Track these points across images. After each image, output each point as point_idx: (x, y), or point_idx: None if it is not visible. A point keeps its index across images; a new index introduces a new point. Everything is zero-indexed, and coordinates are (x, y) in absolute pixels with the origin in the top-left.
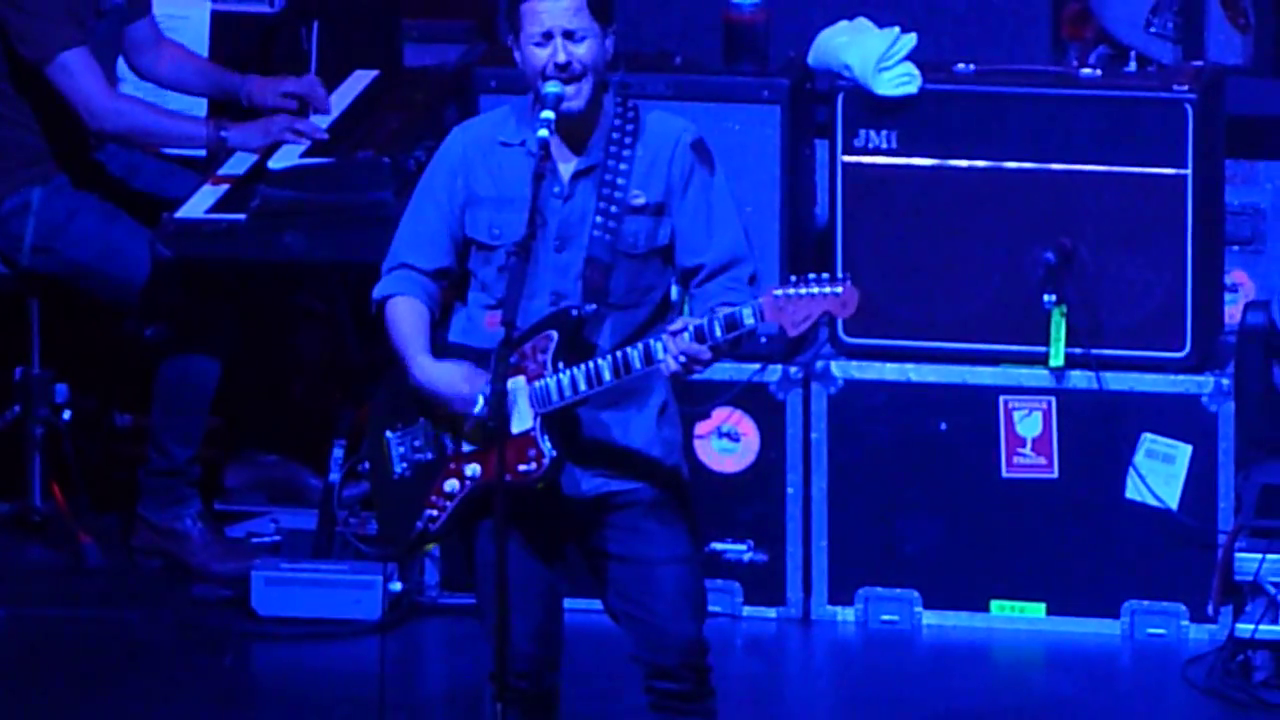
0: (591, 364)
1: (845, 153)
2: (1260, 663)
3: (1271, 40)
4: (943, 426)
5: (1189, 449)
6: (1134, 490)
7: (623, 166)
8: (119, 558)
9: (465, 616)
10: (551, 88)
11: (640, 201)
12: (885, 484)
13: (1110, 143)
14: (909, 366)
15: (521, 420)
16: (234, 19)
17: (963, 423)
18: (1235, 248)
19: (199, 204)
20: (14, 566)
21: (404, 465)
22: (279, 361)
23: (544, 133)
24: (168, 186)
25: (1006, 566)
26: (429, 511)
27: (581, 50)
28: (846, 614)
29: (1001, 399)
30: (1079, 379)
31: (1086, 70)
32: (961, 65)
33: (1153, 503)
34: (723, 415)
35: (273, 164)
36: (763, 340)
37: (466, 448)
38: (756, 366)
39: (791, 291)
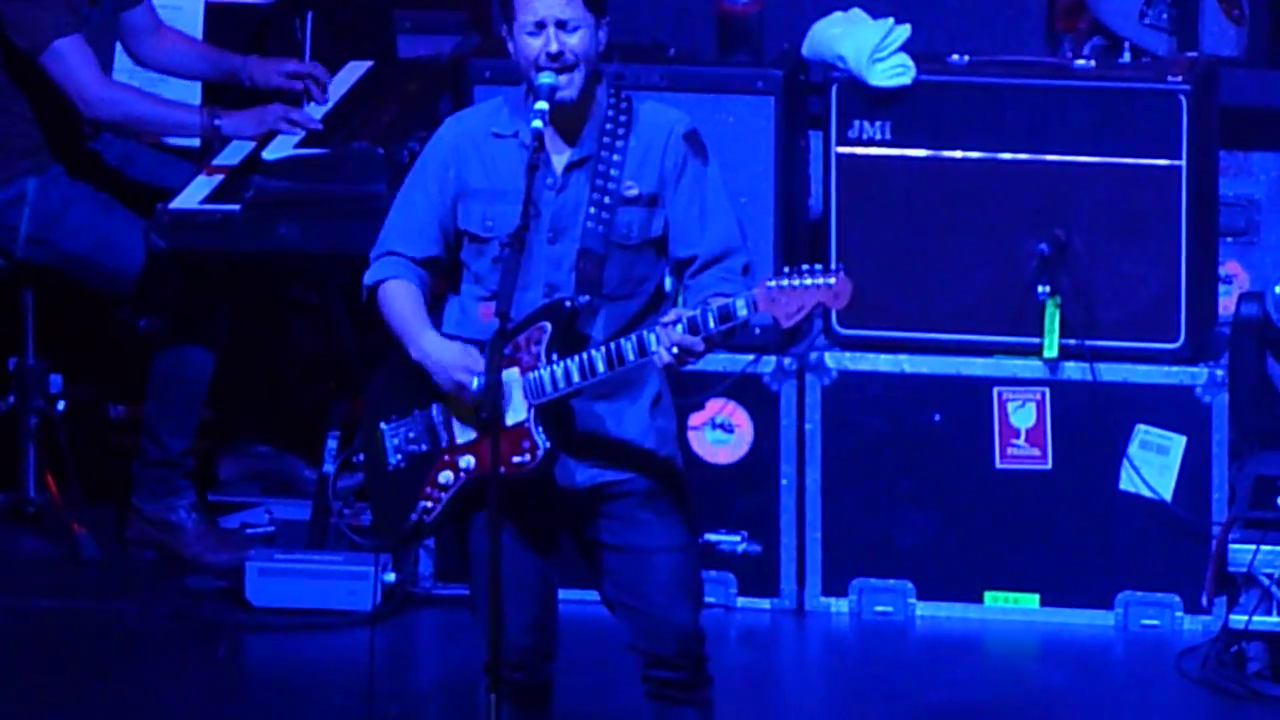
0: (585, 355)
1: (839, 144)
2: (1254, 654)
3: (1265, 32)
4: (936, 418)
5: (1183, 440)
6: (1128, 481)
7: (616, 158)
8: (113, 549)
9: (459, 607)
10: (545, 78)
11: (634, 192)
12: (879, 475)
13: (1104, 134)
14: (903, 358)
15: (515, 412)
16: (228, 10)
17: (957, 414)
18: (1229, 239)
19: (194, 195)
20: (8, 557)
21: (398, 457)
22: (273, 353)
23: (538, 124)
24: (163, 176)
25: (1000, 558)
26: (423, 503)
27: (574, 40)
28: (840, 605)
29: (995, 390)
30: (1073, 370)
31: (1081, 61)
32: (956, 56)
33: (1147, 494)
34: (717, 406)
35: (267, 155)
36: (756, 331)
37: (461, 439)
38: (750, 358)
39: (784, 283)
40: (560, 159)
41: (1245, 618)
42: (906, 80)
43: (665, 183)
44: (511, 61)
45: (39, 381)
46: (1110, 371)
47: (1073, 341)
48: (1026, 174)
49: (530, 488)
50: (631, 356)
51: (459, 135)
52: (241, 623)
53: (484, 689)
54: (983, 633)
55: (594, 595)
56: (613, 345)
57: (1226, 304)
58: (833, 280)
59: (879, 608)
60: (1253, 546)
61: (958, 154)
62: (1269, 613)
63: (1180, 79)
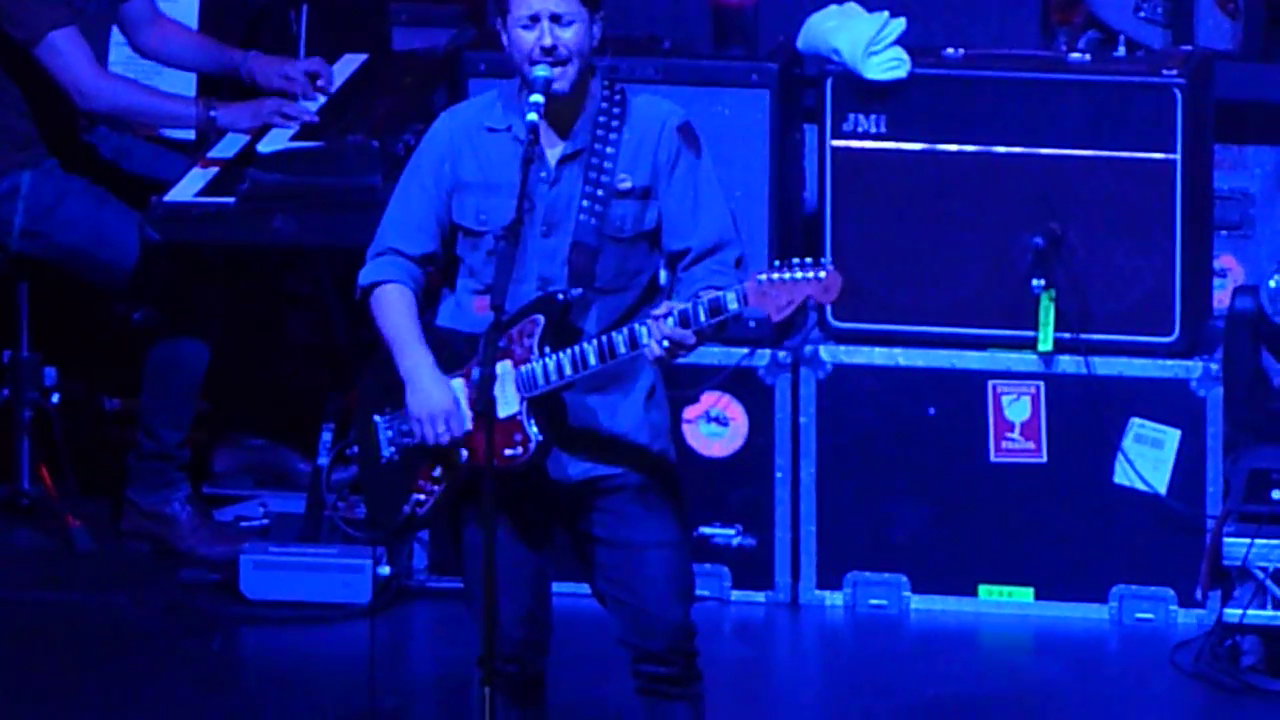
0: (577, 349)
1: (834, 137)
2: (1248, 647)
3: (1260, 25)
4: (931, 411)
5: (1177, 434)
6: (1122, 475)
7: (609, 150)
8: (107, 541)
9: (454, 600)
10: (540, 71)
11: (627, 185)
12: (874, 468)
13: (1099, 128)
14: (898, 351)
15: (508, 405)
16: (223, 2)
17: (951, 407)
18: (1224, 233)
19: (188, 187)
20: (3, 550)
21: (392, 449)
22: (268, 345)
23: (533, 116)
24: (158, 169)
25: (995, 551)
26: (416, 496)
27: (568, 35)
28: (835, 598)
29: (990, 384)
30: (1067, 364)
31: (1075, 55)
32: (950, 50)
33: (1141, 487)
34: (711, 399)
35: (262, 148)
36: (751, 325)
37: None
38: (745, 351)
39: (775, 276)
40: (553, 152)
41: (1240, 611)
42: (901, 74)
43: (658, 175)
44: (506, 54)
45: (33, 374)
46: (1105, 365)
47: (1067, 335)
48: (1021, 167)
49: (523, 481)
50: (623, 349)
51: (453, 130)
52: (236, 615)
53: (478, 682)
54: (977, 626)
55: (587, 589)
56: (604, 338)
57: (1221, 297)
58: (822, 274)
59: (873, 601)
60: (1247, 540)
61: (953, 147)
62: (1263, 606)
63: (1175, 72)
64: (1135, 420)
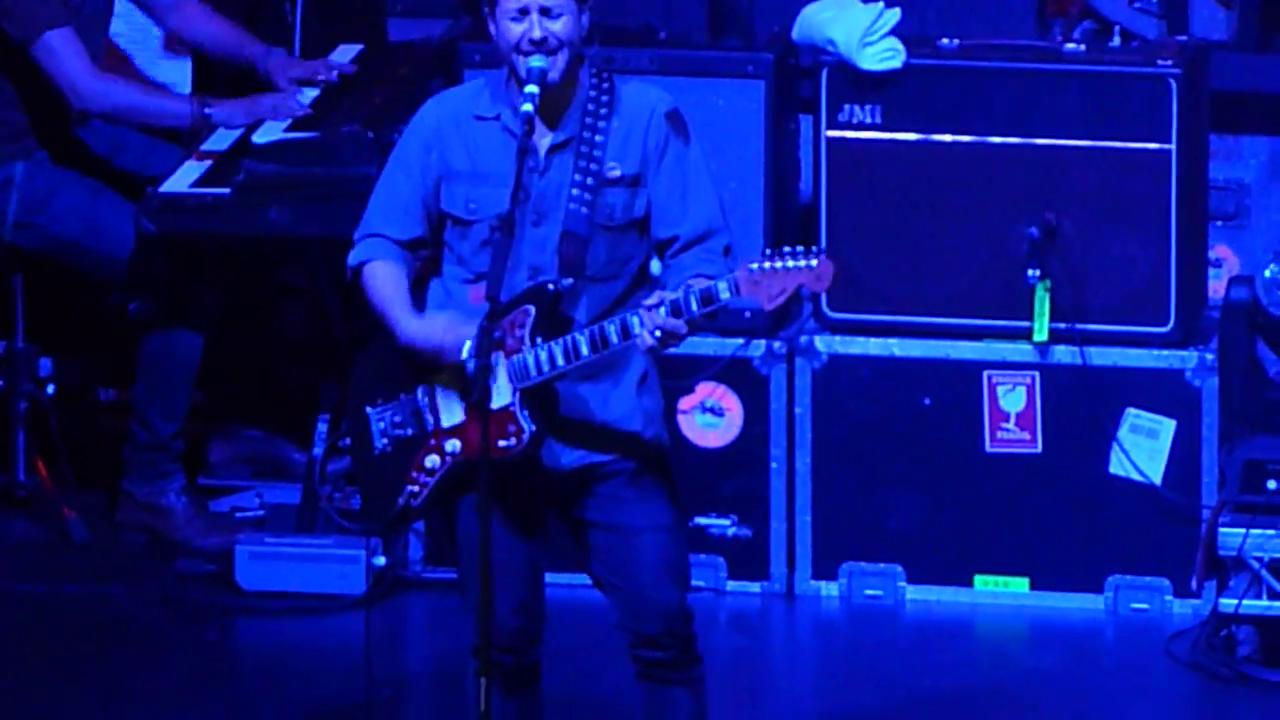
0: (569, 338)
1: (829, 128)
2: (1244, 637)
3: (1255, 15)
4: (926, 401)
5: (1173, 424)
6: (1118, 465)
7: (599, 139)
8: (103, 532)
9: (449, 591)
10: (536, 61)
11: (617, 173)
12: (869, 459)
13: (1094, 118)
14: (893, 341)
15: (500, 395)
16: None
17: (946, 398)
18: (1219, 223)
19: (183, 179)
20: None
21: (384, 441)
22: (263, 336)
23: (528, 107)
24: (152, 162)
25: (990, 541)
26: (410, 488)
27: (558, 26)
28: (830, 589)
29: (985, 374)
30: (1063, 354)
31: (1071, 45)
32: (946, 40)
33: (1136, 478)
34: (706, 390)
35: (257, 138)
36: (746, 315)
37: (446, 423)
38: (740, 341)
39: (766, 265)
40: (543, 141)
41: (1235, 601)
42: (897, 64)
43: (648, 163)
44: (493, 45)
45: (29, 365)
46: (1100, 355)
47: (1063, 325)
48: (1017, 158)
49: (516, 471)
50: (615, 339)
51: (440, 117)
52: (231, 606)
53: (473, 672)
54: (973, 616)
55: (583, 579)
56: (596, 328)
57: (1216, 288)
58: (814, 262)
59: (869, 591)
60: (1242, 530)
61: (948, 138)
62: (1258, 596)
63: (1170, 63)
64: (1130, 410)
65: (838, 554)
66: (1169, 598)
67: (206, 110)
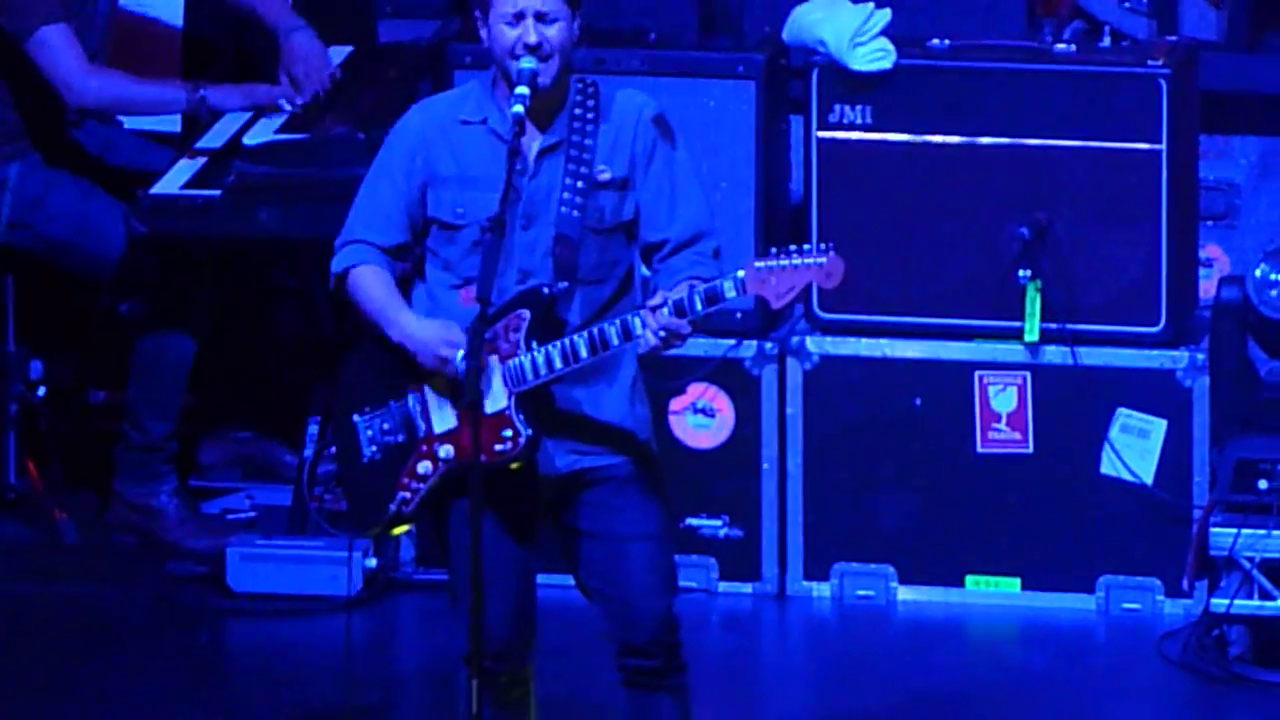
0: (567, 341)
1: (820, 128)
2: (1235, 637)
3: (1245, 15)
4: (918, 402)
5: (1164, 424)
6: (1109, 465)
7: (588, 142)
8: (94, 534)
9: (440, 592)
10: (526, 63)
11: (606, 177)
12: (860, 459)
13: (1085, 118)
14: (884, 342)
15: (495, 400)
16: None
17: (938, 398)
18: (1209, 223)
19: (174, 179)
20: None
21: (373, 448)
22: (254, 337)
23: (518, 109)
24: (144, 161)
25: (982, 542)
26: (402, 494)
27: (552, 32)
28: (822, 589)
29: (976, 374)
30: (1054, 354)
31: (1061, 46)
32: (936, 41)
33: (1128, 478)
34: (698, 391)
35: (248, 140)
36: (738, 316)
37: (439, 429)
38: (732, 342)
39: (774, 263)
40: (532, 145)
41: (1226, 601)
42: (887, 65)
43: (636, 166)
44: (485, 48)
45: (19, 367)
46: (1091, 355)
47: (1054, 325)
48: (1007, 158)
49: (510, 475)
50: (615, 341)
51: (425, 123)
52: (222, 608)
53: (465, 676)
54: (964, 617)
55: (572, 580)
56: (596, 330)
57: (1207, 287)
58: (824, 260)
59: (860, 592)
60: (1234, 530)
61: (938, 138)
62: (1250, 596)
63: (1160, 63)
64: (1122, 410)
65: (829, 555)
66: (1160, 598)
67: (202, 93)
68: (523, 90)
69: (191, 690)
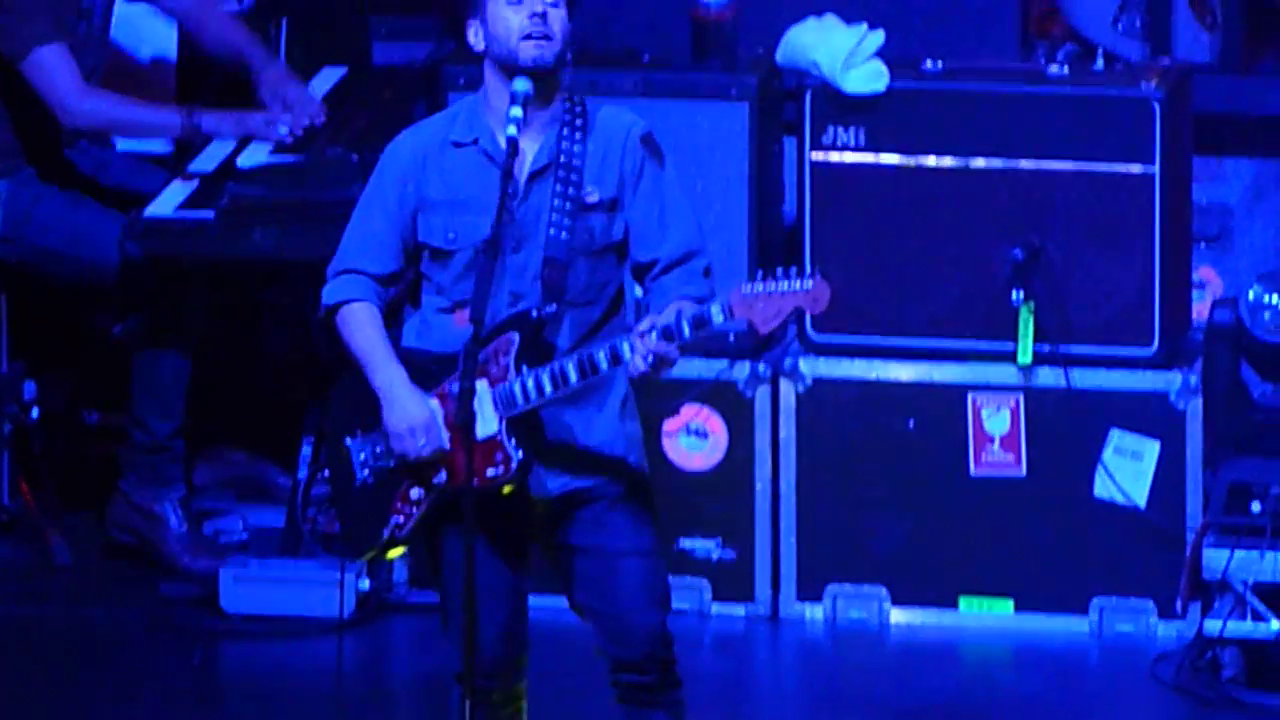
0: (556, 365)
1: (813, 150)
2: (1228, 659)
3: (1238, 37)
4: (911, 424)
5: (1157, 446)
6: (1102, 487)
7: (576, 163)
8: (88, 555)
9: (434, 613)
10: (520, 85)
11: (595, 198)
12: (853, 481)
13: (1078, 140)
14: (877, 364)
15: (486, 424)
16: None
17: (931, 420)
18: (1203, 245)
19: (168, 201)
20: None
21: (366, 472)
22: (248, 358)
23: (512, 130)
24: (137, 182)
25: (975, 563)
26: (395, 518)
27: (554, 14)
28: (815, 611)
29: (969, 396)
30: (1047, 376)
31: (1054, 68)
32: (929, 62)
33: (1121, 500)
34: (691, 412)
35: (242, 161)
36: (731, 338)
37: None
38: (725, 364)
39: (760, 288)
40: (522, 168)
41: (1220, 623)
42: (880, 86)
43: (625, 186)
44: (483, 49)
45: (13, 388)
46: (1084, 377)
47: (1047, 347)
48: (1000, 180)
49: (502, 498)
50: (605, 365)
51: (415, 148)
52: (216, 629)
53: (458, 696)
54: (957, 638)
55: (565, 601)
56: (585, 354)
57: (1200, 309)
58: (810, 284)
59: (854, 613)
60: (1227, 552)
61: (932, 160)
62: (1243, 618)
63: (1153, 85)
64: (1115, 432)
65: (822, 576)
66: (1154, 620)
67: (196, 119)
68: (516, 112)
69: (185, 711)
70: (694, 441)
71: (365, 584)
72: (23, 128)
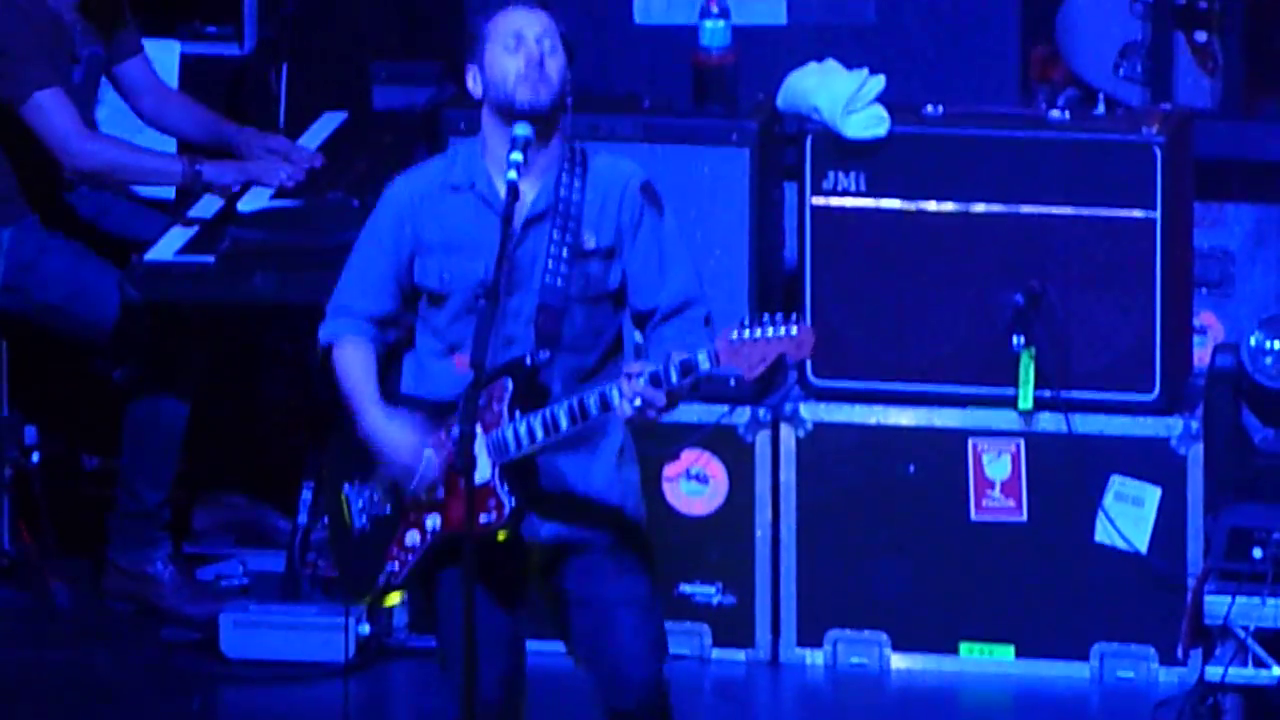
0: (548, 412)
1: (814, 195)
2: (1229, 706)
3: (1239, 83)
4: (911, 469)
5: (1158, 491)
6: (1103, 533)
7: (574, 210)
8: (88, 600)
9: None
10: (520, 130)
11: (592, 245)
12: (854, 526)
13: (1079, 185)
14: (877, 408)
15: (480, 471)
16: (203, 61)
17: (931, 465)
18: (1204, 290)
19: (168, 246)
20: None
21: (363, 518)
22: (248, 403)
23: (513, 175)
24: (137, 228)
25: (976, 609)
26: (391, 565)
27: (552, 61)
28: (815, 656)
29: (970, 441)
30: (1048, 421)
31: (1055, 113)
32: (930, 107)
33: (1122, 545)
34: (691, 457)
35: (242, 206)
36: (731, 383)
37: (425, 499)
38: (725, 409)
39: (746, 334)
40: (520, 212)
41: (1221, 670)
42: (881, 131)
43: (623, 235)
44: (480, 94)
45: (13, 433)
46: (1085, 423)
47: (1048, 393)
48: (1001, 225)
49: (497, 544)
50: (595, 410)
51: (412, 192)
52: (216, 674)
53: None
54: (958, 684)
55: (563, 647)
56: (575, 400)
57: (1201, 355)
58: (794, 330)
59: (854, 659)
60: (1228, 598)
61: (932, 205)
62: (1244, 665)
63: (1155, 130)
64: (1116, 478)
65: (823, 622)
66: (1155, 666)
67: (198, 167)
68: (517, 156)
69: None
70: (694, 486)
71: (365, 629)
72: (23, 174)
